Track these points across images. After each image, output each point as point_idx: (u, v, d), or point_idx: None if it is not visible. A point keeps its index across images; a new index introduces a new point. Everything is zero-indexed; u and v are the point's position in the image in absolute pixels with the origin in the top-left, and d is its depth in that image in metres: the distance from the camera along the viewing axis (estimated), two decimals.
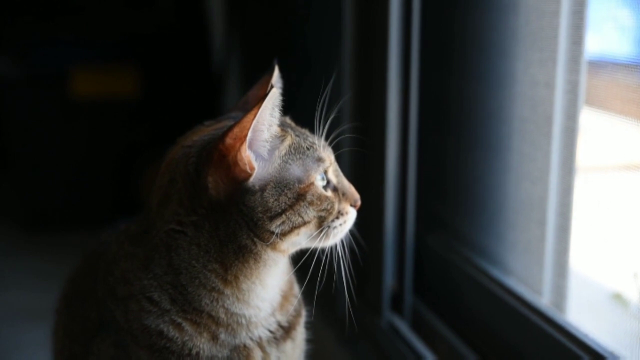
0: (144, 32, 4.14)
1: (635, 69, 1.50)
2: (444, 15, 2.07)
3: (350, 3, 2.26)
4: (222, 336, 1.32)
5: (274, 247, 1.27)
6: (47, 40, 4.03)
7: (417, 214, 2.14)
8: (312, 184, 1.27)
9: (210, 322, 1.31)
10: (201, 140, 1.29)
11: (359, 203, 1.36)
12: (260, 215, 1.24)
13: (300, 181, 1.26)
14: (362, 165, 2.19)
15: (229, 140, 1.21)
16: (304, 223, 1.27)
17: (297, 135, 1.30)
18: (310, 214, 1.27)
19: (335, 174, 1.33)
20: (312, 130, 1.37)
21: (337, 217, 1.31)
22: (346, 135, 1.39)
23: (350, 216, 1.35)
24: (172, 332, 1.29)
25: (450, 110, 2.11)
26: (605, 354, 1.49)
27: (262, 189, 1.24)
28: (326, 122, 1.37)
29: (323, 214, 1.29)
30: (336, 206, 1.31)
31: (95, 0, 4.15)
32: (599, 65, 1.66)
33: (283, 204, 1.25)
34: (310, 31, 2.87)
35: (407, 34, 2.01)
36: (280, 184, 1.25)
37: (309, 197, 1.26)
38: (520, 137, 1.83)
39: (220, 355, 1.31)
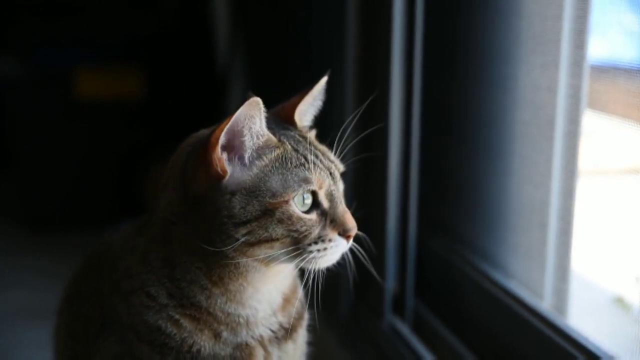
0: (147, 33, 4.14)
1: (638, 73, 1.50)
2: (446, 19, 2.08)
3: (353, 6, 2.26)
4: (225, 334, 1.32)
5: (243, 254, 1.25)
6: (51, 40, 4.03)
7: (419, 217, 2.14)
8: (285, 202, 1.24)
9: (210, 319, 1.31)
10: (207, 132, 1.30)
11: (350, 233, 1.30)
12: (225, 219, 1.23)
13: (273, 196, 1.23)
14: (364, 168, 2.19)
15: (212, 138, 1.22)
16: (272, 239, 1.24)
17: (294, 150, 1.29)
18: (279, 231, 1.24)
19: (328, 198, 1.29)
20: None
21: (316, 242, 1.27)
22: (350, 138, 1.39)
23: (335, 244, 1.29)
24: (170, 329, 1.29)
25: (453, 114, 2.11)
26: (605, 358, 1.50)
27: (233, 193, 1.23)
28: (340, 143, 1.36)
29: (295, 234, 1.25)
30: (316, 230, 1.27)
31: (99, 1, 4.15)
32: (602, 69, 1.66)
33: (248, 214, 1.23)
34: (313, 33, 2.87)
35: (410, 37, 2.02)
36: (252, 193, 1.23)
37: (277, 214, 1.23)
38: (523, 141, 1.83)
39: (223, 353, 1.32)
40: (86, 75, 4.01)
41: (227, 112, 1.16)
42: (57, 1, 4.12)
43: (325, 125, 1.46)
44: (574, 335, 1.58)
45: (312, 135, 1.40)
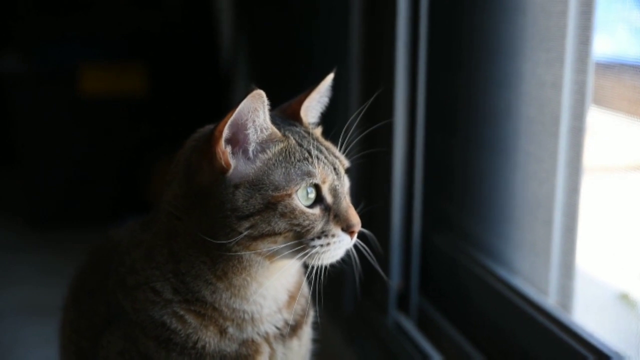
0: (152, 30, 4.15)
1: None
2: (451, 15, 2.07)
3: (358, 2, 2.26)
4: (231, 330, 1.33)
5: (246, 248, 1.26)
6: (56, 38, 4.04)
7: (424, 213, 2.14)
8: (288, 195, 1.24)
9: (216, 314, 1.31)
10: (212, 126, 1.31)
11: (354, 229, 1.30)
12: (229, 213, 1.23)
13: (276, 189, 1.24)
14: (369, 164, 2.19)
15: (216, 132, 1.22)
16: (275, 233, 1.24)
17: (299, 145, 1.29)
18: (281, 225, 1.24)
19: (332, 193, 1.30)
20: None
21: (319, 237, 1.27)
22: (354, 135, 1.39)
23: (338, 240, 1.29)
24: (175, 324, 1.30)
25: (457, 110, 2.11)
26: (611, 354, 1.49)
27: (236, 186, 1.24)
28: (346, 138, 1.36)
29: (298, 229, 1.26)
30: (319, 225, 1.27)
31: None
32: (607, 66, 1.66)
33: (251, 207, 1.23)
34: (318, 30, 2.87)
35: (414, 34, 2.02)
36: (255, 186, 1.24)
37: (280, 207, 1.24)
38: (527, 137, 1.83)
39: (228, 349, 1.32)
40: (90, 72, 4.02)
41: (230, 108, 1.16)
42: None
43: (330, 121, 1.46)
44: (581, 333, 1.58)
45: (317, 131, 1.41)
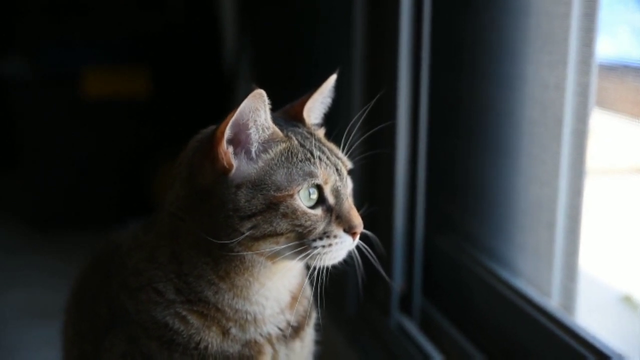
0: (155, 32, 4.15)
1: None
2: (454, 17, 2.07)
3: (361, 4, 2.26)
4: (233, 331, 1.33)
5: (248, 248, 1.26)
6: (59, 41, 4.05)
7: (427, 215, 2.14)
8: (290, 195, 1.24)
9: (219, 315, 1.32)
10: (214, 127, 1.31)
11: (356, 230, 1.30)
12: (231, 213, 1.23)
13: (278, 189, 1.24)
14: (372, 166, 2.19)
15: (218, 133, 1.23)
16: (276, 233, 1.24)
17: (301, 145, 1.29)
18: (283, 225, 1.24)
19: (334, 194, 1.30)
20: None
21: (321, 238, 1.27)
22: (356, 137, 1.39)
23: (340, 241, 1.29)
24: (177, 325, 1.30)
25: (460, 112, 2.11)
26: (613, 356, 1.49)
27: (238, 186, 1.24)
28: (349, 139, 1.36)
29: (300, 229, 1.25)
30: (321, 226, 1.27)
31: (107, 1, 4.17)
32: (610, 67, 1.66)
33: (253, 207, 1.23)
34: (321, 31, 2.87)
35: (417, 36, 2.02)
36: (257, 186, 1.24)
37: (282, 208, 1.24)
38: (530, 140, 1.83)
39: (231, 350, 1.32)
40: (94, 75, 4.03)
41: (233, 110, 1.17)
42: (64, 2, 4.13)
43: (332, 122, 1.46)
44: (584, 335, 1.57)
45: (320, 132, 1.41)
